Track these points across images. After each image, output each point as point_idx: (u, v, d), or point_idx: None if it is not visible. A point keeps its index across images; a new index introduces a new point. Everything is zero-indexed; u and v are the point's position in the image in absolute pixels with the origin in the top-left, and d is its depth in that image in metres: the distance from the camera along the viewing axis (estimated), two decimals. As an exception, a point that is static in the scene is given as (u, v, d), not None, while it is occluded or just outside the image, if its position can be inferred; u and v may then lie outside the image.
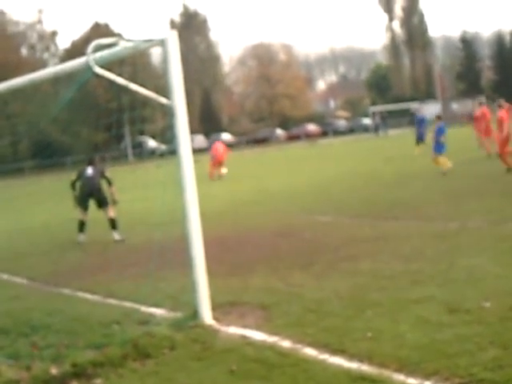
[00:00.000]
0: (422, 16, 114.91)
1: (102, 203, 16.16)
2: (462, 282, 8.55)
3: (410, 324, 7.06)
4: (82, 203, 16.18)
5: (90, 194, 16.16)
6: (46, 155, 61.04)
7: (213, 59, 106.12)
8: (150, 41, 8.00)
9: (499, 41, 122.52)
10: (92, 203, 16.36)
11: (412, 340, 6.58)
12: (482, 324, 6.81)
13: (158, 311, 8.64)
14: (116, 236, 15.68)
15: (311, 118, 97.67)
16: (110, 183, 16.24)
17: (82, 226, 16.08)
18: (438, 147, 24.02)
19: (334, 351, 6.54)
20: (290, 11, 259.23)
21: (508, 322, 6.80)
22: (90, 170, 16.27)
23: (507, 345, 6.17)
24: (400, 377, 5.78)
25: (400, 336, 6.73)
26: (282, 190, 24.03)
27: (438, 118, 26.12)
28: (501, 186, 17.94)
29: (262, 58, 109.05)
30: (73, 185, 16.38)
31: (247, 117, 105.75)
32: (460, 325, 6.86)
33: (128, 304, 9.22)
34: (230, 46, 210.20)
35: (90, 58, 7.44)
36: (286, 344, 6.93)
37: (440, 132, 24.46)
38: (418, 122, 38.31)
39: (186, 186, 7.91)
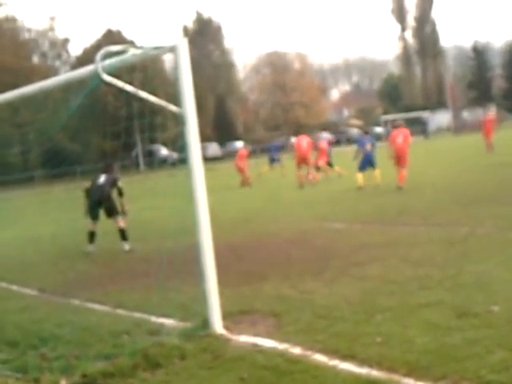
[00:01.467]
0: (434, 26, 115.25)
1: (111, 212, 15.84)
2: (470, 286, 8.60)
3: (418, 328, 7.11)
4: (91, 212, 15.90)
5: (99, 202, 15.84)
6: (55, 164, 60.90)
7: (227, 66, 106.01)
8: (161, 48, 8.00)
9: (511, 50, 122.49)
10: (102, 213, 16.09)
11: (421, 344, 6.62)
12: (490, 327, 6.86)
13: (168, 321, 8.62)
14: (126, 246, 15.51)
15: (325, 127, 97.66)
16: (121, 193, 15.94)
17: (91, 236, 15.85)
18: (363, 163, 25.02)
19: (344, 357, 6.57)
20: (305, 20, 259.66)
21: (515, 325, 6.84)
22: (102, 178, 16.00)
23: (515, 347, 6.22)
24: (409, 381, 5.82)
25: (409, 340, 6.77)
26: (295, 198, 24.12)
27: (366, 133, 26.73)
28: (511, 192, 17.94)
29: (276, 66, 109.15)
30: (86, 192, 16.12)
31: (262, 125, 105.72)
32: (468, 329, 6.91)
33: (138, 314, 9.21)
34: (245, 53, 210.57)
35: (99, 65, 7.46)
36: (296, 351, 6.95)
37: (361, 145, 25.71)
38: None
39: (197, 194, 7.91)
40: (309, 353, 6.83)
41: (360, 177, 24.71)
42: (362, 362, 6.39)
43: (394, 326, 7.28)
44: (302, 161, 29.48)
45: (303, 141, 29.83)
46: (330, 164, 31.89)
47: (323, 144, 32.27)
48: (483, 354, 6.17)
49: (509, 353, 6.11)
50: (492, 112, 35.43)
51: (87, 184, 16.42)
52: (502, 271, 9.21)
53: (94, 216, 15.97)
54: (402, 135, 23.41)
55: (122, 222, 15.79)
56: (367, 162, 25.24)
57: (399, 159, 23.01)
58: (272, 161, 38.19)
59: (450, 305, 7.80)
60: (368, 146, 25.69)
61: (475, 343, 6.44)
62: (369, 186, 24.21)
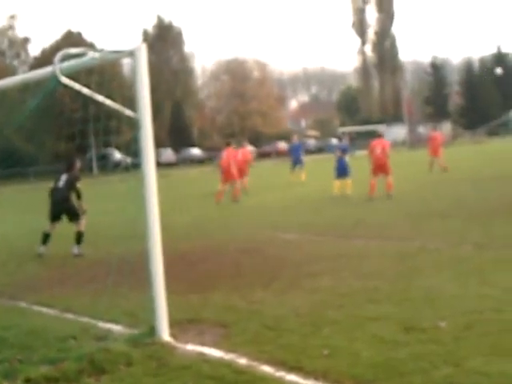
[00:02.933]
0: (393, 40, 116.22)
1: (73, 217, 15.59)
2: (418, 301, 8.65)
3: (365, 342, 7.12)
4: (50, 213, 15.66)
5: (57, 204, 15.58)
6: (9, 164, 60.03)
7: (186, 72, 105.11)
8: (119, 52, 7.95)
9: (468, 67, 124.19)
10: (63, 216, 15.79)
11: (367, 358, 6.64)
12: (437, 343, 6.90)
13: (116, 327, 8.55)
14: (76, 250, 15.28)
15: (282, 136, 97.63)
16: (79, 196, 15.66)
17: (45, 237, 15.57)
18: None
19: (291, 368, 6.55)
20: (266, 29, 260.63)
21: (462, 341, 6.91)
22: (62, 180, 15.68)
23: (459, 363, 6.28)
24: (354, 394, 5.82)
25: (355, 354, 6.78)
26: (250, 207, 24.08)
27: (340, 139, 27.45)
28: (464, 208, 18.16)
29: (235, 74, 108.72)
30: (50, 193, 15.82)
31: (218, 132, 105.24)
32: (415, 343, 6.94)
33: (85, 319, 9.10)
34: (204, 59, 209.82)
35: (57, 67, 7.39)
36: (242, 361, 6.91)
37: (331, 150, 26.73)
38: None
39: (149, 200, 7.86)
40: (255, 364, 6.80)
41: (337, 185, 25.19)
42: (308, 374, 6.38)
43: (342, 339, 7.28)
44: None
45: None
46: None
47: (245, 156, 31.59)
48: (428, 369, 6.21)
49: (454, 369, 6.16)
50: (439, 129, 35.78)
51: (51, 185, 16.06)
52: (451, 286, 9.30)
53: (53, 218, 15.72)
54: (380, 146, 23.92)
55: (82, 226, 15.56)
56: (342, 170, 25.50)
57: (379, 168, 23.59)
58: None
59: (398, 319, 7.83)
60: (338, 153, 26.23)
61: (421, 358, 6.48)
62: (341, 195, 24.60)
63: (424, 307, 8.31)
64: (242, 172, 29.44)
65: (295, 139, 39.40)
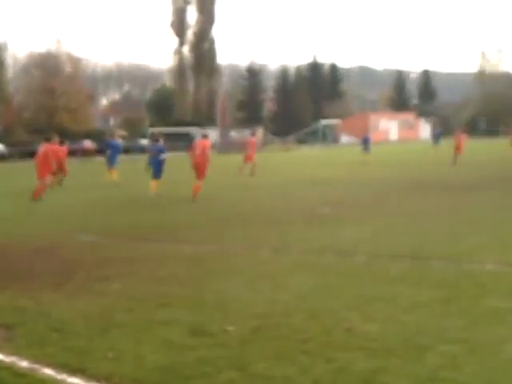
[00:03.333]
0: (212, 43, 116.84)
1: None
2: (209, 305, 8.71)
3: (153, 345, 7.09)
4: None
5: None
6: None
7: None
8: None
9: (284, 75, 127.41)
10: None
11: (153, 361, 6.61)
12: (223, 347, 6.96)
13: None
14: None
15: (90, 135, 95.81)
16: None
17: None
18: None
19: (74, 371, 6.41)
20: (78, 20, 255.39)
21: (248, 344, 7.01)
22: None
23: (244, 367, 6.37)
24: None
25: (141, 357, 6.75)
26: (52, 206, 23.41)
27: (156, 141, 27.66)
28: (264, 213, 18.57)
29: (47, 68, 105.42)
30: None
31: (24, 128, 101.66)
32: (202, 347, 6.98)
33: None
34: (18, 50, 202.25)
35: None
36: (24, 364, 6.69)
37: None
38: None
39: None
40: (37, 366, 6.60)
41: (154, 184, 25.45)
42: (91, 376, 6.28)
43: (129, 343, 7.22)
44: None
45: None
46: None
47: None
48: (213, 373, 6.26)
49: (237, 373, 6.24)
50: (255, 135, 36.55)
51: None
52: (243, 291, 9.43)
53: None
54: (201, 146, 23.84)
55: None
56: (158, 171, 25.85)
57: (195, 168, 23.64)
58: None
59: (187, 323, 7.85)
60: (153, 154, 27.01)
61: (207, 362, 6.52)
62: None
63: (214, 311, 8.38)
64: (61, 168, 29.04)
65: (117, 137, 38.87)
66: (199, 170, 23.49)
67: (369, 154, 47.34)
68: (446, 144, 49.74)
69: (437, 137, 65.06)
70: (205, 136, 25.11)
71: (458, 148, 41.81)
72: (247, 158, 35.37)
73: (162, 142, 26.75)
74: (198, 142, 24.77)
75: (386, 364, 6.29)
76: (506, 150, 53.68)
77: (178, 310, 8.48)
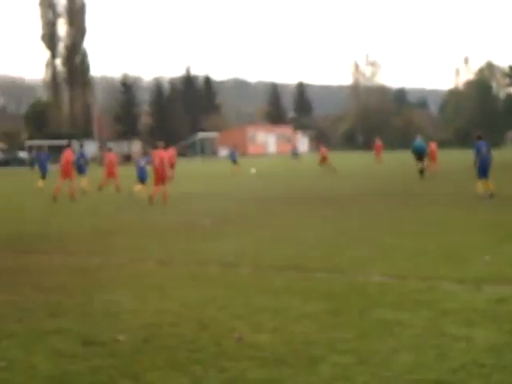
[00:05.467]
0: (84, 55, 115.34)
1: None
2: (99, 315, 8.72)
3: (44, 355, 7.08)
4: None
5: None
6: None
7: None
8: None
9: (158, 88, 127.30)
10: None
11: (45, 370, 6.62)
12: (115, 356, 7.00)
13: None
14: None
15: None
16: None
17: None
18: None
19: (-35, 381, 6.37)
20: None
21: (140, 354, 7.07)
22: None
23: (137, 376, 6.43)
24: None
25: (33, 367, 6.74)
26: None
27: (144, 154, 29.36)
28: (148, 224, 18.57)
29: None
30: None
31: None
32: (94, 357, 7.00)
33: None
34: None
35: None
36: None
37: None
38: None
39: None
40: None
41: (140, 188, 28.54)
42: (-17, 386, 6.25)
43: (20, 352, 7.19)
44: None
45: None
46: None
47: None
48: (106, 382, 6.31)
49: (131, 382, 6.30)
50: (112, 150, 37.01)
51: None
52: (131, 301, 9.47)
53: None
54: (159, 157, 26.10)
55: None
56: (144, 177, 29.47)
57: (159, 178, 25.80)
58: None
59: (77, 333, 7.84)
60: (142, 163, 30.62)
61: (99, 371, 6.55)
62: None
63: (104, 321, 8.39)
64: None
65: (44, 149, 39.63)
66: (162, 177, 25.74)
67: (237, 165, 48.89)
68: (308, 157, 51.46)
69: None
70: (160, 146, 26.80)
71: (323, 160, 48.00)
72: (109, 175, 34.59)
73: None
74: (156, 152, 26.72)
75: (278, 374, 6.40)
76: (375, 162, 55.80)
77: (68, 320, 8.46)
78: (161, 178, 25.66)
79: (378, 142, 60.87)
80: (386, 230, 16.35)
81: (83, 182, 32.89)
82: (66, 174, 29.76)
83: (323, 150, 48.50)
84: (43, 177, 35.56)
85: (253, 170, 48.59)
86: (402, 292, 9.57)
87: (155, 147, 27.34)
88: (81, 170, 34.11)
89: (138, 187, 29.35)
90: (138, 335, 7.70)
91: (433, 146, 41.02)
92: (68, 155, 30.52)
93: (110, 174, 33.57)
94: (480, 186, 23.60)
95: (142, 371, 6.54)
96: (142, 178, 29.74)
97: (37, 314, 8.83)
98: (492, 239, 14.19)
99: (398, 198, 25.11)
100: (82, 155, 35.72)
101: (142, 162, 30.78)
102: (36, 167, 43.14)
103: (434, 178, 35.83)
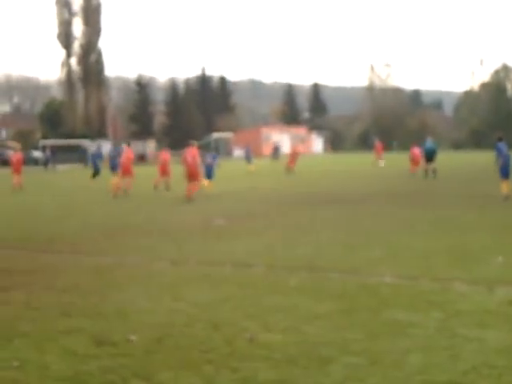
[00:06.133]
0: (99, 55, 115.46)
1: None
2: (111, 315, 8.74)
3: (56, 355, 7.10)
4: None
5: None
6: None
7: None
8: None
9: (173, 87, 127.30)
10: None
11: (57, 371, 6.63)
12: (127, 356, 7.01)
13: None
14: None
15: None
16: None
17: None
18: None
19: (-22, 379, 6.40)
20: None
21: (152, 354, 7.07)
22: None
23: (149, 377, 6.44)
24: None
25: (45, 367, 6.75)
26: None
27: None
28: (158, 224, 18.63)
29: None
30: None
31: None
32: (105, 357, 7.01)
33: None
34: None
35: None
36: None
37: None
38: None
39: None
40: None
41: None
42: (-4, 384, 6.29)
43: (32, 352, 7.20)
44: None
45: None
46: None
47: None
48: (118, 382, 6.32)
49: (144, 382, 6.32)
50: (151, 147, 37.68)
51: None
52: (142, 301, 9.49)
53: None
54: (191, 154, 26.92)
55: None
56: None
57: (190, 175, 26.65)
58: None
59: (90, 333, 7.86)
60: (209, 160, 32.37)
61: (111, 371, 6.56)
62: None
63: (116, 321, 8.41)
64: None
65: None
66: (193, 174, 26.71)
67: (252, 164, 49.22)
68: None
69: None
70: (192, 144, 27.78)
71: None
72: (163, 173, 34.89)
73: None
74: (187, 150, 27.39)
75: (290, 375, 6.40)
76: (372, 163, 55.80)
77: (81, 320, 8.48)
78: (194, 175, 26.57)
79: (379, 143, 61.12)
80: (398, 230, 16.35)
81: (116, 180, 33.43)
82: (125, 171, 31.11)
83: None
84: (96, 174, 36.11)
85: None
86: (414, 293, 9.58)
87: (188, 145, 27.95)
88: (116, 168, 34.58)
89: (206, 183, 30.90)
90: (151, 335, 7.71)
91: (416, 151, 42.74)
92: (129, 154, 32.15)
93: (164, 172, 33.76)
94: (504, 186, 23.50)
95: (154, 371, 6.56)
96: (208, 175, 31.43)
97: (50, 314, 8.86)
98: (505, 240, 14.17)
99: (410, 199, 25.08)
100: (117, 154, 36.29)
101: (209, 159, 32.70)
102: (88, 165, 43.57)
103: (444, 179, 35.72)
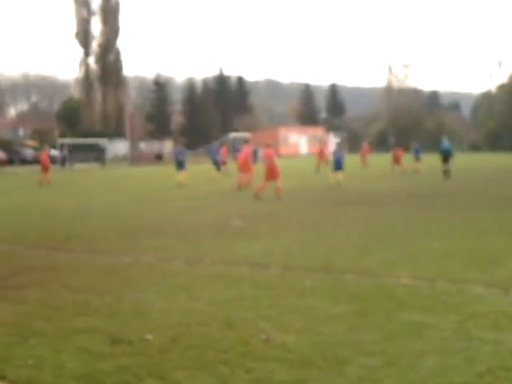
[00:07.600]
0: (118, 54, 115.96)
1: None
2: (127, 314, 8.76)
3: (71, 353, 7.12)
4: None
5: None
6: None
7: None
8: None
9: (190, 87, 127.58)
10: None
11: (72, 369, 6.65)
12: (143, 355, 7.03)
13: None
14: None
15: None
16: None
17: None
18: None
19: (-6, 377, 6.42)
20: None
21: (167, 353, 7.08)
22: None
23: (164, 376, 6.45)
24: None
25: (61, 365, 6.78)
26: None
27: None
28: (174, 224, 18.64)
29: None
30: None
31: None
32: (121, 356, 7.03)
33: None
34: None
35: None
36: None
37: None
38: None
39: None
40: None
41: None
42: (13, 382, 6.33)
43: (47, 350, 7.23)
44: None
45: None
46: None
47: None
48: (133, 381, 6.33)
49: (158, 381, 6.32)
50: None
51: None
52: (158, 300, 9.50)
53: None
54: (269, 155, 27.70)
55: None
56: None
57: (271, 174, 27.20)
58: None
59: (106, 331, 7.89)
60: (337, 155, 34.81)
61: (126, 370, 6.58)
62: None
63: (132, 320, 8.43)
64: None
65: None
66: (274, 173, 27.12)
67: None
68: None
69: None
70: (269, 145, 28.77)
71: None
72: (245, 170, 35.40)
73: None
74: (266, 151, 28.37)
75: (305, 376, 6.39)
76: (360, 165, 55.90)
77: (96, 319, 8.51)
78: (273, 175, 27.02)
79: (365, 146, 63.06)
80: (415, 231, 16.27)
81: (182, 176, 35.56)
82: (243, 167, 32.87)
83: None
84: (180, 169, 36.49)
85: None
86: (430, 294, 9.53)
87: (266, 146, 28.66)
88: (181, 165, 36.50)
89: (340, 176, 33.58)
90: (166, 334, 7.72)
91: (399, 152, 47.70)
92: (247, 151, 33.88)
93: (246, 168, 33.85)
94: None
95: (169, 371, 6.57)
96: (338, 167, 33.83)
97: (65, 313, 8.89)
98: (521, 243, 14.09)
99: (427, 200, 24.98)
100: (182, 151, 38.22)
101: (338, 154, 34.86)
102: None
103: (461, 181, 35.62)
